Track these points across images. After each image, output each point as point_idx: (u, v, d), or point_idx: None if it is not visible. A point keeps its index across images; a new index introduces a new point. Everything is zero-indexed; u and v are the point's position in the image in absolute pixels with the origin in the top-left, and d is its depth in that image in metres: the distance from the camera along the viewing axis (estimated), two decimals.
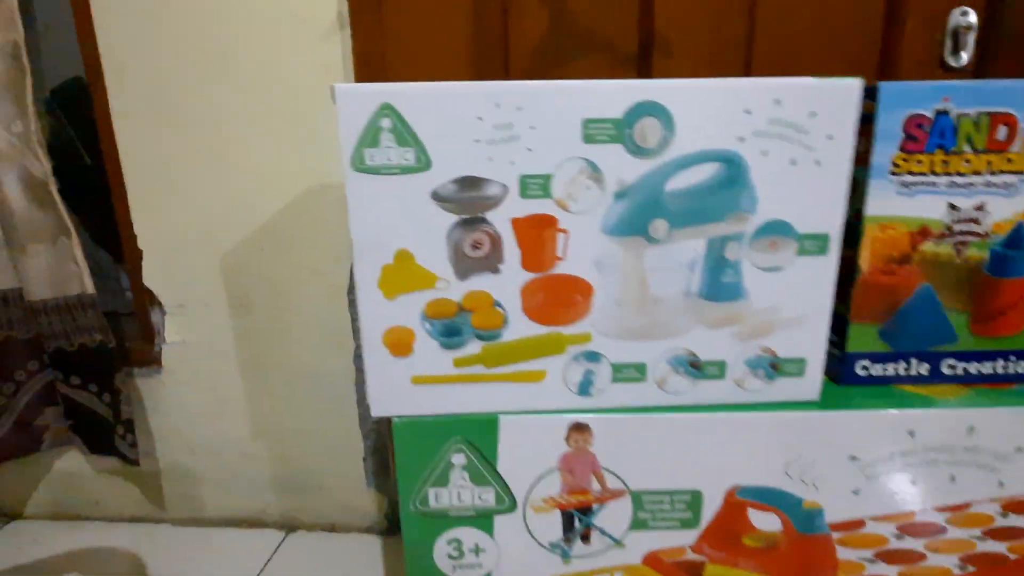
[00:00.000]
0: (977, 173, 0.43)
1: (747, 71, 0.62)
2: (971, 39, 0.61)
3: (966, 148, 0.43)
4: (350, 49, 0.65)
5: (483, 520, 0.44)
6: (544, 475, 0.43)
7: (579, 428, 0.42)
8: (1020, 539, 0.46)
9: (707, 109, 0.38)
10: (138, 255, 0.71)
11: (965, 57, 0.62)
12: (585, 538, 0.45)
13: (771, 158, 0.39)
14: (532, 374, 0.41)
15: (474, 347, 0.41)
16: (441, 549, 0.45)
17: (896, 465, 0.44)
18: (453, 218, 0.39)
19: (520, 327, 0.41)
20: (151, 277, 0.72)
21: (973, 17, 0.60)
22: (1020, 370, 0.47)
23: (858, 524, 0.46)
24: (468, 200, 0.39)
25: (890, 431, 0.43)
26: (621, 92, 0.38)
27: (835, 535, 0.46)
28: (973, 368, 0.47)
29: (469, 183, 0.39)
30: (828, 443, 0.43)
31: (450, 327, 0.40)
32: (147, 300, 0.73)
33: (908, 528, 0.46)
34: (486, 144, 0.38)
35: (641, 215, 0.39)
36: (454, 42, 0.65)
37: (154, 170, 0.69)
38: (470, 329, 0.40)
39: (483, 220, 0.39)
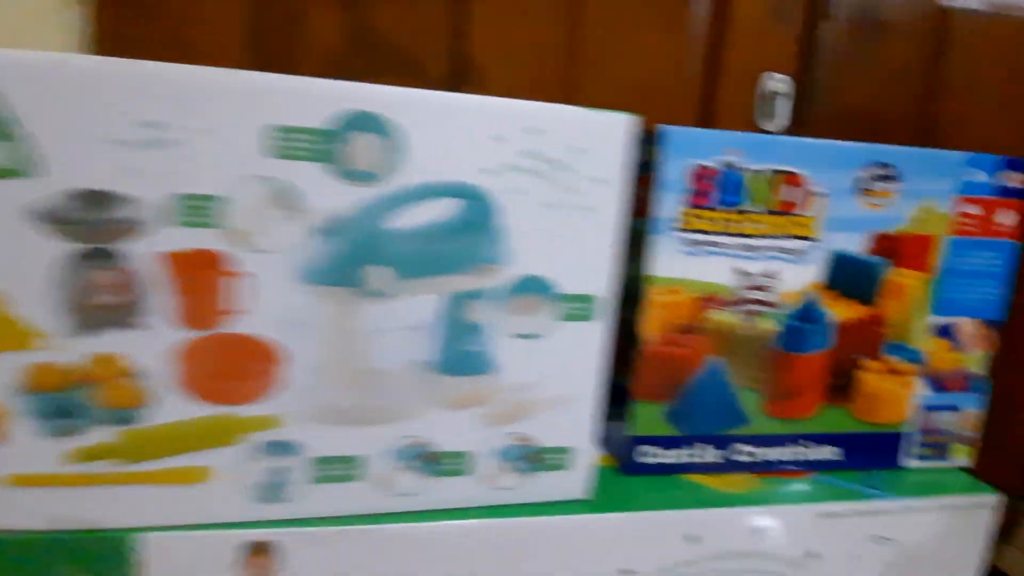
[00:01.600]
0: (766, 236, 0.39)
1: None
2: (784, 104, 0.61)
3: (755, 208, 0.38)
4: (89, 29, 0.52)
5: None
6: None
7: (259, 550, 0.31)
8: None
9: (446, 130, 0.30)
10: None
11: (779, 122, 0.61)
12: None
13: (526, 199, 0.31)
14: (190, 472, 0.29)
15: (101, 435, 0.28)
16: None
17: None
18: (71, 248, 0.27)
19: (173, 407, 0.28)
20: None
21: (784, 83, 0.60)
22: (814, 457, 0.42)
23: None
24: (95, 224, 0.27)
25: (665, 537, 0.36)
26: (329, 95, 0.29)
27: None
28: (766, 455, 0.42)
29: (97, 199, 0.27)
30: (595, 553, 0.35)
31: (61, 405, 0.28)
32: None
33: None
34: (129, 147, 0.27)
35: (354, 260, 0.29)
36: (228, 49, 0.54)
37: None
38: (93, 409, 0.28)
39: (117, 254, 0.27)
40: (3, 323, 0.27)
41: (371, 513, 0.32)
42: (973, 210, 0.41)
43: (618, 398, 0.40)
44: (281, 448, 0.30)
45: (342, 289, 0.30)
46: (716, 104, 0.60)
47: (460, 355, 0.31)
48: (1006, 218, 0.42)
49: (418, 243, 0.30)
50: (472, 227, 0.31)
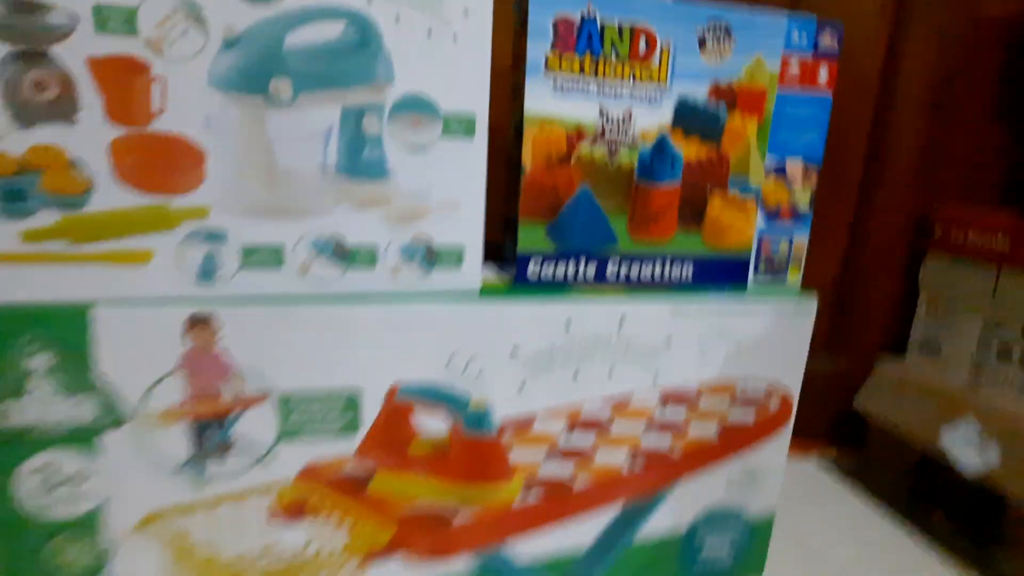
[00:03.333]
0: (624, 81, 0.46)
1: None
2: None
3: (612, 56, 0.46)
4: None
5: (83, 439, 0.37)
6: (160, 379, 0.37)
7: (200, 321, 0.37)
8: (680, 432, 0.51)
9: None
10: None
11: None
12: (222, 455, 0.40)
13: (404, 26, 0.37)
14: (135, 254, 0.35)
15: (49, 217, 0.34)
16: (25, 481, 0.36)
17: (557, 358, 0.45)
18: (4, 49, 0.31)
19: (112, 195, 0.34)
20: None
21: None
22: (674, 274, 0.51)
23: (527, 422, 0.46)
24: (22, 28, 0.31)
25: (547, 322, 0.44)
26: None
27: (506, 434, 0.46)
28: (633, 271, 0.50)
29: (23, 6, 0.31)
30: (489, 336, 0.43)
31: (11, 190, 0.33)
32: None
33: (576, 424, 0.48)
34: None
35: (258, 71, 0.35)
36: None
37: None
38: (40, 194, 0.33)
39: (47, 56, 0.32)
40: None
41: (293, 295, 0.38)
42: (796, 67, 0.50)
43: (511, 229, 0.47)
44: (212, 236, 0.36)
45: (250, 96, 0.35)
46: None
47: (359, 162, 0.38)
48: (823, 75, 0.51)
49: (313, 60, 0.36)
50: (360, 47, 0.37)
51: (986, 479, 0.62)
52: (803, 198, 0.53)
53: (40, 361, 0.34)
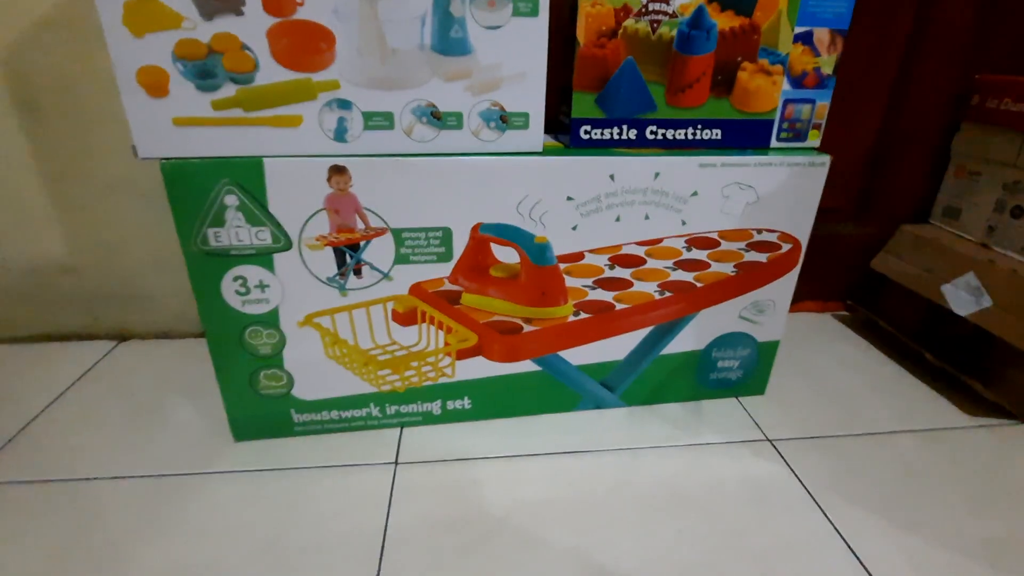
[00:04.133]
0: None
1: None
2: None
3: None
4: None
5: (263, 258, 0.51)
6: (312, 215, 0.51)
7: (338, 170, 0.49)
8: (702, 269, 0.62)
9: None
10: None
11: None
12: (357, 272, 0.54)
13: None
14: (290, 119, 0.47)
15: (229, 90, 0.45)
16: (228, 286, 0.52)
17: (603, 204, 0.56)
18: None
19: (271, 72, 0.45)
20: None
21: None
22: (704, 136, 0.60)
23: (578, 256, 0.59)
24: None
25: (595, 174, 0.55)
26: None
27: (562, 266, 0.58)
28: (670, 134, 0.59)
29: None
30: (549, 185, 0.54)
31: (202, 68, 0.44)
32: None
33: (617, 259, 0.60)
34: None
35: None
36: None
37: None
38: (223, 71, 0.45)
39: None
40: (157, 9, 0.42)
41: (402, 152, 0.50)
42: None
43: (567, 96, 0.57)
44: (343, 104, 0.47)
45: None
46: None
47: (448, 40, 0.47)
48: None
49: None
50: None
51: (979, 320, 0.71)
52: (828, 65, 0.59)
53: (232, 199, 0.48)
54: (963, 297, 0.74)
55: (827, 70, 0.60)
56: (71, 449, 0.60)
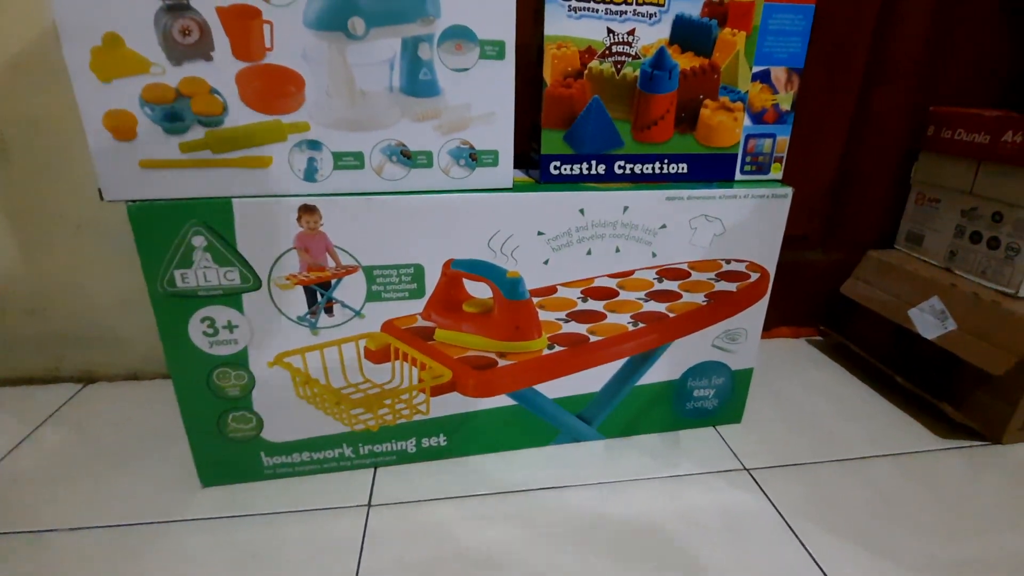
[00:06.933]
0: (627, 2, 0.54)
1: None
2: None
3: None
4: None
5: (232, 298, 0.51)
6: (282, 254, 0.51)
7: (308, 210, 0.49)
8: (674, 300, 0.63)
9: None
10: None
11: None
12: (328, 311, 0.54)
13: None
14: (260, 159, 0.47)
15: (198, 132, 0.46)
16: (196, 327, 0.51)
17: (573, 238, 0.57)
18: (158, 3, 0.42)
19: (241, 114, 0.46)
20: None
21: None
22: (671, 171, 0.62)
23: (551, 290, 0.59)
24: None
25: (565, 209, 0.56)
26: None
27: (535, 300, 0.59)
28: (638, 168, 0.61)
29: None
30: (520, 220, 0.55)
31: (171, 112, 0.44)
32: None
33: (590, 292, 0.60)
34: None
35: (338, 12, 0.45)
36: None
37: None
38: (191, 115, 0.45)
39: (189, 7, 0.42)
40: (125, 55, 0.43)
41: (373, 191, 0.51)
42: None
43: (536, 132, 0.58)
44: (313, 145, 0.48)
45: (333, 33, 0.46)
46: None
47: (417, 82, 0.48)
48: None
49: (379, 1, 0.46)
50: None
51: (945, 343, 0.73)
52: (786, 101, 0.62)
53: (199, 240, 0.48)
54: (929, 321, 0.76)
55: (785, 106, 0.63)
56: (32, 499, 0.57)
